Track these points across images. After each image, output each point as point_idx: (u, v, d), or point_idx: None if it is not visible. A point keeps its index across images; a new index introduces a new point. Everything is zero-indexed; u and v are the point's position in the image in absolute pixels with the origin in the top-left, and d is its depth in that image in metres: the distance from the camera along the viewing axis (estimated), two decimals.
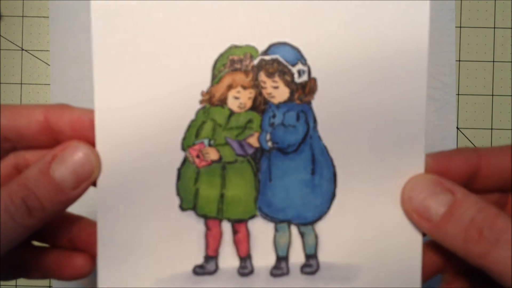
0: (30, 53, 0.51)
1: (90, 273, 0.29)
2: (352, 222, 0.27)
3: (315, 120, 0.27)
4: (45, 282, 0.50)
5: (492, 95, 0.50)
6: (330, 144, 0.27)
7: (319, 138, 0.27)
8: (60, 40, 0.49)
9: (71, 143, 0.26)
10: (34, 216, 0.24)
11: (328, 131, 0.27)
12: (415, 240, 0.26)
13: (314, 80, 0.26)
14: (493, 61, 0.50)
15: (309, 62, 0.26)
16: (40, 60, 0.51)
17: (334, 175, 0.27)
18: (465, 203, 0.25)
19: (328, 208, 0.27)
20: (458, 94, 0.50)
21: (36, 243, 0.31)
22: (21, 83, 0.51)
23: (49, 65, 0.51)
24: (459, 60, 0.50)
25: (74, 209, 0.29)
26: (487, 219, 0.24)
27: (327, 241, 0.27)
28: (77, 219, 0.30)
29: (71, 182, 0.25)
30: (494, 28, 0.50)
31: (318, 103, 0.27)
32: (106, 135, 0.26)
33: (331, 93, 0.26)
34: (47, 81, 0.51)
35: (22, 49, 0.51)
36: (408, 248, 0.26)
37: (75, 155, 0.25)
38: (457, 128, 0.49)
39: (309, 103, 0.27)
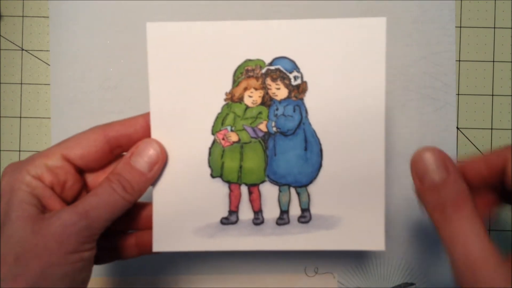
0: (30, 53, 0.54)
1: None
2: (334, 185, 0.36)
3: (306, 111, 0.35)
4: None
5: (492, 95, 0.53)
6: (318, 128, 0.35)
7: (309, 124, 0.35)
8: (60, 40, 0.53)
9: (144, 140, 0.35)
10: (128, 192, 0.34)
11: (316, 120, 0.35)
12: (379, 200, 0.35)
13: (306, 83, 0.35)
14: (493, 61, 0.53)
15: (302, 70, 0.35)
16: (40, 60, 0.54)
17: (321, 151, 0.35)
18: (450, 185, 0.30)
19: (317, 175, 0.36)
20: (458, 94, 0.53)
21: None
22: (21, 83, 0.54)
23: (49, 65, 0.54)
24: (459, 60, 0.53)
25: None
26: (454, 201, 0.30)
27: (317, 198, 0.36)
28: (148, 204, 0.39)
29: (146, 167, 0.35)
30: (494, 28, 0.54)
31: (308, 99, 0.35)
32: (159, 125, 0.35)
33: (318, 92, 0.35)
34: (47, 81, 0.54)
35: (22, 49, 0.54)
36: (371, 205, 0.35)
37: (146, 148, 0.35)
38: (457, 128, 0.53)
39: (302, 99, 0.35)
